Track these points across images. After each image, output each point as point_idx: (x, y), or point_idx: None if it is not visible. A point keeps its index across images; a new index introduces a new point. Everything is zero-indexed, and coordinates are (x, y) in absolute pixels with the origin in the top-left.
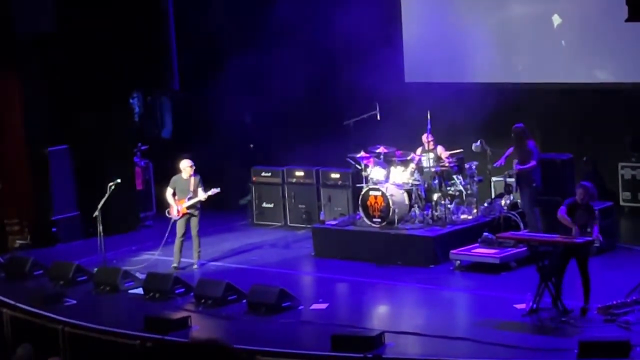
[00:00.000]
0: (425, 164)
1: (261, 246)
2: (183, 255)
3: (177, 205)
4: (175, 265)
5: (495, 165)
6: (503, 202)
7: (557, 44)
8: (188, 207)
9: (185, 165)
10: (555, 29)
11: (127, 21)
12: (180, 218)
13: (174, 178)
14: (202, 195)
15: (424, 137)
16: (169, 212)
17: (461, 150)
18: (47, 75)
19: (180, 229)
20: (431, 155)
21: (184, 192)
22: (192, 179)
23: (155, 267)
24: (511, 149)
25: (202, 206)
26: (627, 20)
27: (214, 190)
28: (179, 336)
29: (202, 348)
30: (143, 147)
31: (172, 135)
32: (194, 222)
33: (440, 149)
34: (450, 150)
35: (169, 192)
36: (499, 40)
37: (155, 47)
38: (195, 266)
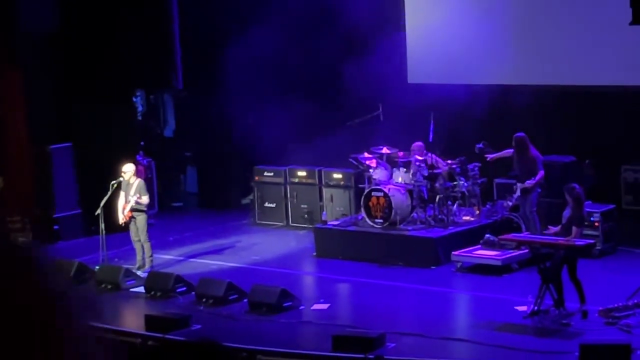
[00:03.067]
0: (427, 165)
1: (263, 246)
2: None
3: (122, 211)
4: (134, 266)
5: (488, 158)
6: (505, 203)
7: (562, 46)
8: (130, 210)
9: (127, 170)
10: (560, 31)
11: (130, 19)
12: (128, 222)
13: (122, 182)
14: (133, 201)
15: (415, 145)
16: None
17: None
18: (50, 73)
19: (131, 232)
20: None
21: (128, 195)
22: (136, 182)
23: (157, 266)
24: (510, 151)
25: (203, 204)
26: (631, 24)
27: (133, 201)
28: (180, 335)
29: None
30: (141, 143)
31: (175, 133)
32: (140, 225)
33: (432, 156)
34: (443, 158)
35: (120, 196)
36: (501, 42)
37: (159, 45)
38: (140, 272)
